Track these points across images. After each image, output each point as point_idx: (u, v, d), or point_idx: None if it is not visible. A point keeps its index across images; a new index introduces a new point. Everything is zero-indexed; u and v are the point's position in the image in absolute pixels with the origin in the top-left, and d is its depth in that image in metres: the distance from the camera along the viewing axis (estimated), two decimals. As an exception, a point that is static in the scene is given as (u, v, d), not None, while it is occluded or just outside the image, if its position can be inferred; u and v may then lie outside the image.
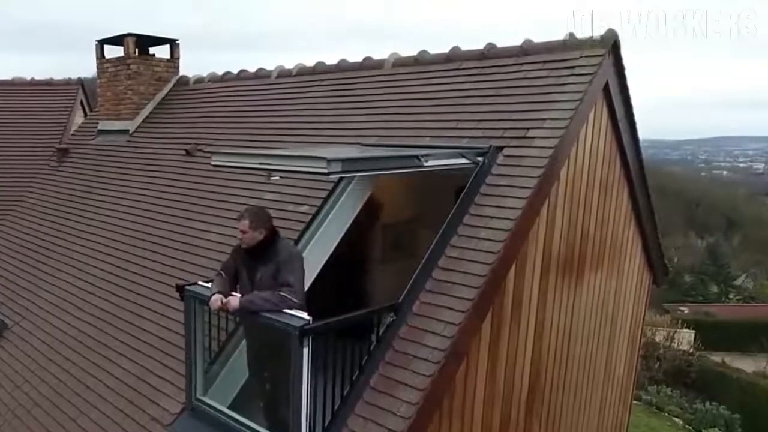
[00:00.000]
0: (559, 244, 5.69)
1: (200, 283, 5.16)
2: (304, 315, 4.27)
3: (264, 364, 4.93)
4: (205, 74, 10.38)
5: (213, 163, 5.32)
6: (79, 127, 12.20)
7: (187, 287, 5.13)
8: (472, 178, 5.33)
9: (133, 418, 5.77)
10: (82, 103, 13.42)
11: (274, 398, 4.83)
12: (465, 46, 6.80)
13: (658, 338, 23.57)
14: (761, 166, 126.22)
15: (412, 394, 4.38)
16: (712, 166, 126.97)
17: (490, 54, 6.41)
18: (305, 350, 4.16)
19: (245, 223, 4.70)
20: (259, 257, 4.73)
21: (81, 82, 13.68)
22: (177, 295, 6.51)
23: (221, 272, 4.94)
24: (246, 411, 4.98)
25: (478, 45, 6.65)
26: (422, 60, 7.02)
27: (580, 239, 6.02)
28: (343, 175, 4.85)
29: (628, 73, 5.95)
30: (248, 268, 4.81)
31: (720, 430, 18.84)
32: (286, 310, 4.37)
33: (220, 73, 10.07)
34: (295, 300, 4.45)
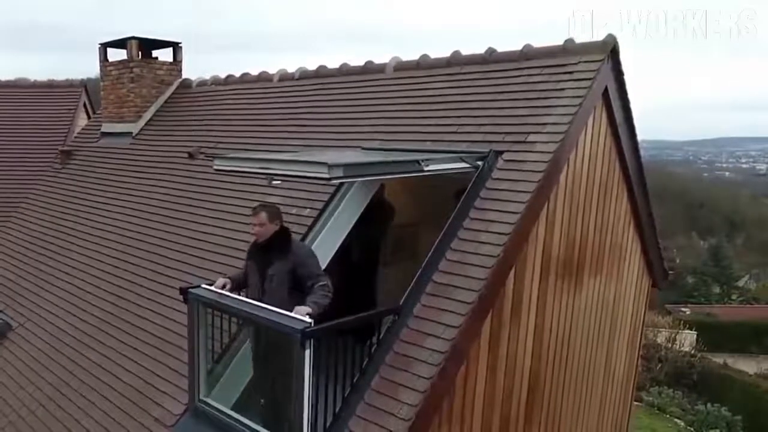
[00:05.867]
0: (558, 247, 5.74)
1: (203, 285, 5.21)
2: (306, 318, 4.33)
3: (267, 365, 5.00)
4: (198, 76, 10.51)
5: (215, 167, 5.38)
6: (83, 129, 12.25)
7: (190, 290, 5.19)
8: (472, 182, 5.38)
9: (136, 419, 5.83)
10: (85, 105, 13.46)
11: (276, 400, 4.89)
12: (464, 49, 6.89)
13: (660, 339, 23.56)
14: (764, 167, 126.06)
15: (412, 396, 4.43)
16: (715, 167, 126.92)
17: (491, 58, 6.46)
18: (307, 352, 4.22)
19: (263, 216, 4.93)
20: (273, 253, 4.90)
21: (84, 84, 13.74)
22: (180, 296, 6.62)
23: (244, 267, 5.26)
24: (248, 412, 5.03)
25: (478, 48, 6.72)
26: (424, 64, 7.07)
27: (579, 242, 6.07)
28: (344, 180, 4.92)
29: (629, 74, 6.01)
30: (260, 266, 4.96)
31: (722, 431, 18.85)
32: (288, 313, 4.43)
33: (214, 75, 10.19)
34: (330, 285, 4.77)
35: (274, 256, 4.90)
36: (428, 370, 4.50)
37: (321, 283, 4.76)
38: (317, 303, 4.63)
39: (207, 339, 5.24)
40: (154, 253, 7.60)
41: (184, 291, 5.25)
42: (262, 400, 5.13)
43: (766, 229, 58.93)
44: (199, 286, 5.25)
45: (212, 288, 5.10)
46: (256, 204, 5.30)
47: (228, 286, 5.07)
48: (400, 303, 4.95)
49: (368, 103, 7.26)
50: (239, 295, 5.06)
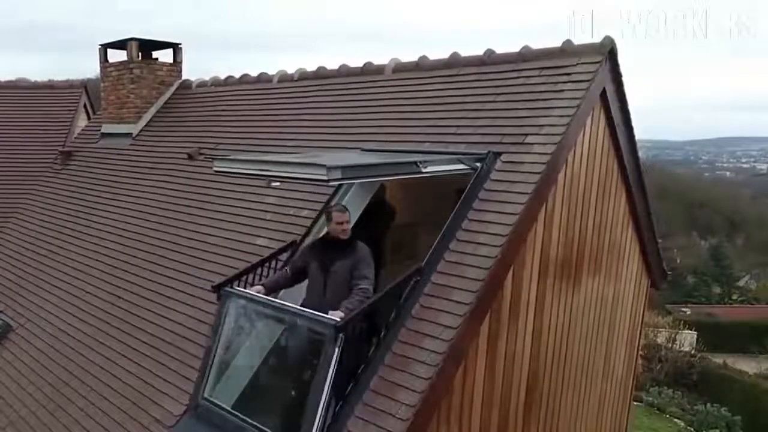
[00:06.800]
0: (556, 248, 5.75)
1: (236, 287, 5.33)
2: (334, 316, 4.44)
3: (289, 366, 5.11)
4: (198, 77, 10.55)
5: (214, 168, 5.41)
6: (83, 129, 12.27)
7: (225, 288, 5.28)
8: (470, 183, 5.40)
9: (136, 419, 5.85)
10: (85, 105, 13.46)
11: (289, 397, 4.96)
12: (463, 50, 6.91)
13: (660, 340, 23.60)
14: (764, 167, 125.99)
15: (410, 396, 4.45)
16: (715, 167, 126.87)
17: (489, 60, 6.48)
18: (336, 349, 4.29)
19: (348, 215, 5.13)
20: (341, 250, 5.04)
21: (84, 85, 13.74)
22: (180, 297, 6.66)
23: (286, 269, 5.42)
24: (249, 411, 5.04)
25: (477, 49, 6.73)
26: (422, 65, 7.09)
27: (577, 243, 6.08)
28: (343, 182, 4.95)
29: (629, 74, 6.05)
30: (324, 260, 5.09)
31: (721, 431, 18.86)
32: (318, 313, 4.57)
33: (214, 76, 10.23)
34: (371, 291, 4.88)
35: (339, 254, 5.04)
36: (426, 371, 4.51)
37: (361, 287, 4.85)
38: (350, 308, 4.68)
39: (227, 337, 5.28)
40: (153, 254, 7.62)
41: (217, 287, 5.34)
42: (293, 392, 5.19)
43: (766, 229, 58.93)
44: (233, 284, 5.36)
45: (246, 291, 5.22)
46: (335, 204, 5.50)
47: (262, 293, 5.13)
48: (422, 264, 5.01)
49: (367, 104, 7.27)
50: (290, 285, 5.39)
